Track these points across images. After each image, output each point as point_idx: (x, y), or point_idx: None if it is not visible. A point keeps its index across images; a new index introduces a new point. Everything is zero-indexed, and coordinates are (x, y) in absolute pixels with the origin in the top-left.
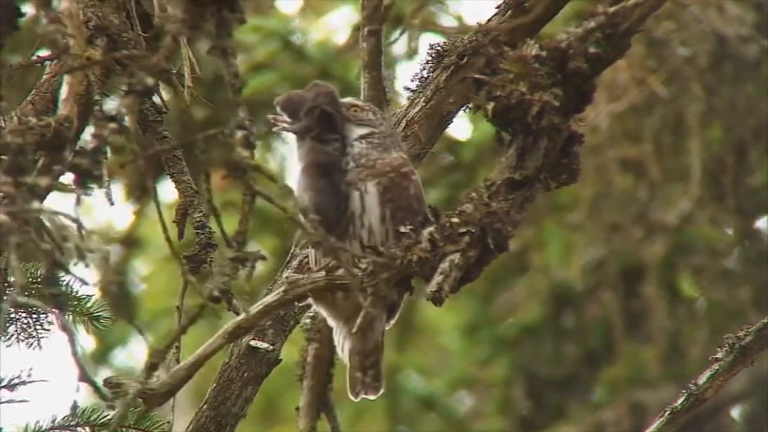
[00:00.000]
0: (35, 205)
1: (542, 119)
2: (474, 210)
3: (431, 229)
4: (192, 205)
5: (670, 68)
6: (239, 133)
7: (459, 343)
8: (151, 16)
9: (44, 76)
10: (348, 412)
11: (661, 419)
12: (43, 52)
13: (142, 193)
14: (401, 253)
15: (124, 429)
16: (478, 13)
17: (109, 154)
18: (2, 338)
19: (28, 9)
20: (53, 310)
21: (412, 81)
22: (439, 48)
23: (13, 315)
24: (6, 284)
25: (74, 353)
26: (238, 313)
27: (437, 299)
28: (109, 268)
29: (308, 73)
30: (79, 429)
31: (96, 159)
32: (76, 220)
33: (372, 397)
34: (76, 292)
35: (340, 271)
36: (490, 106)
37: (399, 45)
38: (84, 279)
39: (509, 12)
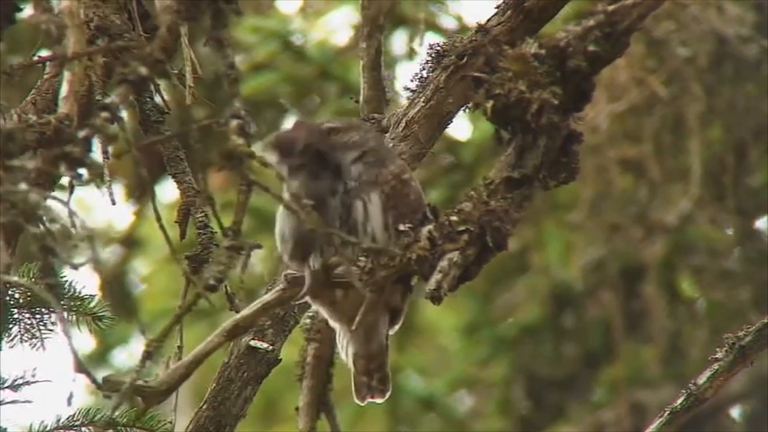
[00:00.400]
0: (22, 186)
1: (541, 117)
2: (473, 208)
3: (430, 227)
4: (194, 206)
5: (670, 68)
6: (234, 122)
7: (459, 343)
8: (153, 17)
9: (45, 76)
10: (348, 412)
11: (661, 419)
12: (44, 53)
13: (142, 193)
14: (400, 252)
15: (127, 429)
16: (478, 13)
17: (110, 154)
18: (5, 339)
19: (26, 4)
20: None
21: (412, 81)
22: (438, 48)
23: (16, 315)
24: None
25: (69, 344)
26: (238, 312)
27: (436, 297)
28: (95, 249)
29: (308, 73)
30: (83, 429)
31: (88, 147)
32: (64, 203)
33: (380, 401)
34: (79, 292)
35: (339, 269)
36: (489, 104)
37: (399, 45)
38: (74, 263)
39: (509, 12)
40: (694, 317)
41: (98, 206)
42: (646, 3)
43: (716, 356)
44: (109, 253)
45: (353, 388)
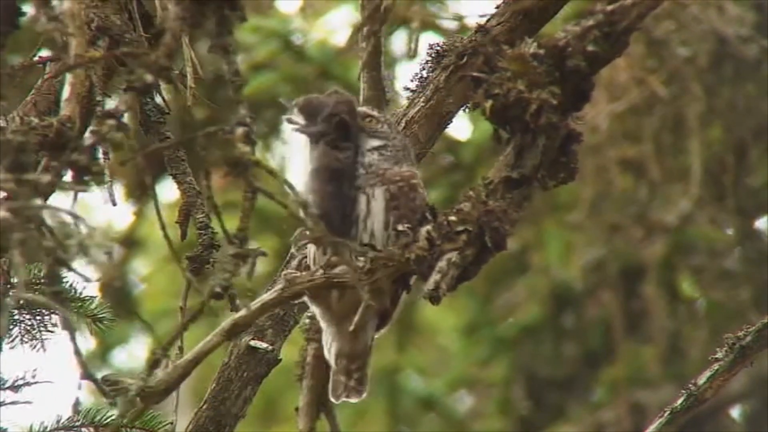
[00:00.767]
0: (37, 202)
1: (540, 117)
2: (472, 208)
3: (429, 227)
4: (195, 206)
5: (670, 68)
6: (240, 130)
7: (459, 343)
8: (154, 17)
9: (45, 76)
10: (348, 412)
11: (661, 419)
12: (45, 53)
13: (142, 193)
14: (399, 252)
15: (128, 429)
16: (479, 13)
17: (110, 155)
18: (6, 340)
19: (28, 8)
20: (55, 308)
21: (412, 81)
22: (438, 48)
23: (17, 317)
24: (8, 285)
25: (76, 351)
26: (239, 312)
27: (435, 298)
28: (112, 265)
29: (308, 73)
30: (83, 430)
31: (94, 155)
32: (76, 217)
33: (353, 401)
34: (80, 293)
35: (338, 269)
36: (488, 104)
37: (399, 45)
38: (86, 276)
39: (508, 12)
40: (694, 317)
41: (98, 206)
42: (646, 3)
43: (716, 356)
44: (113, 250)
45: (330, 386)
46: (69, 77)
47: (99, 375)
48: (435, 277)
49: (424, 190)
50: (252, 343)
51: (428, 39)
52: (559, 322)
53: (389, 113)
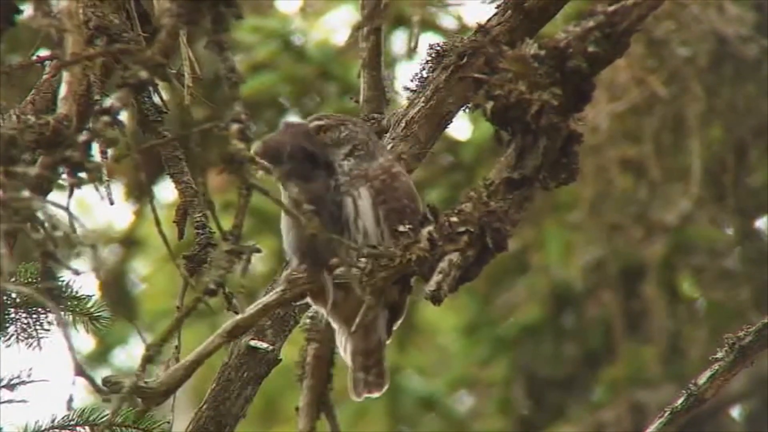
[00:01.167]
0: (25, 194)
1: (541, 118)
2: (473, 209)
3: (430, 228)
4: (192, 206)
5: (670, 68)
6: (235, 126)
7: (459, 343)
8: (151, 16)
9: (44, 76)
10: (348, 412)
11: (661, 419)
12: (43, 52)
13: (141, 192)
14: (400, 252)
15: (124, 429)
16: (478, 13)
17: (108, 154)
18: (2, 338)
19: (26, 7)
20: (43, 302)
21: (412, 81)
22: (438, 48)
23: (12, 315)
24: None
25: (70, 347)
26: (237, 313)
27: (436, 298)
28: (99, 256)
29: (308, 73)
30: (78, 429)
31: (88, 152)
32: (66, 209)
33: (376, 395)
34: (76, 291)
35: (339, 270)
36: (489, 105)
37: (399, 45)
38: (76, 270)
39: (509, 12)
40: (694, 317)
41: (98, 206)
42: (647, 3)
43: (716, 356)
44: (109, 253)
45: (350, 385)
46: (66, 76)
47: (98, 375)
48: (436, 277)
49: (405, 174)
50: (252, 343)
51: (428, 39)
52: (559, 322)
53: (389, 113)
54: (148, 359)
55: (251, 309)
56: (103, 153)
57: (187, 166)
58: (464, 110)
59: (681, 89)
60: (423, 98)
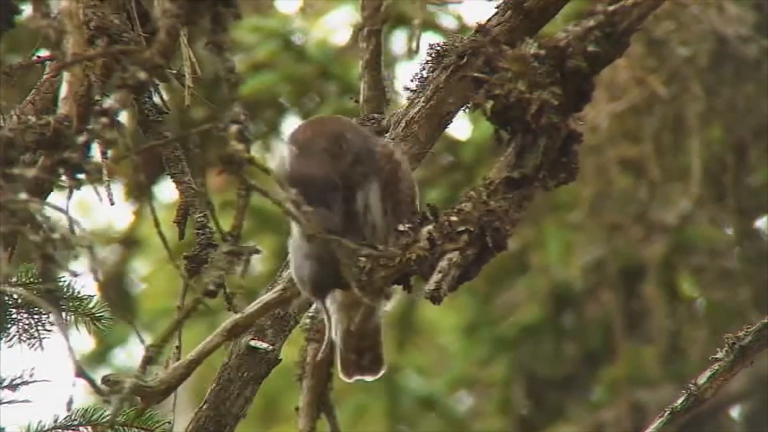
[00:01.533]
0: (23, 196)
1: (541, 118)
2: (473, 209)
3: (430, 227)
4: (193, 206)
5: (670, 68)
6: (234, 127)
7: (459, 343)
8: (152, 16)
9: (44, 76)
10: (348, 412)
11: (661, 419)
12: (44, 53)
13: (141, 193)
14: (400, 252)
15: (125, 428)
16: (478, 13)
17: (108, 154)
18: (3, 338)
19: (25, 7)
20: (41, 304)
21: (412, 81)
22: (439, 48)
23: (14, 315)
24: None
25: (69, 349)
26: (237, 312)
27: (436, 298)
28: (96, 258)
29: (308, 73)
30: (81, 429)
31: (87, 153)
32: (64, 211)
33: (369, 379)
34: (78, 292)
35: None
36: (489, 104)
37: (399, 45)
38: (75, 272)
39: (509, 12)
40: (694, 317)
41: (98, 206)
42: (647, 3)
43: (716, 356)
44: (109, 253)
45: (339, 366)
46: (66, 76)
47: (98, 375)
48: (436, 277)
49: (405, 161)
50: (252, 343)
51: (428, 39)
52: (559, 322)
53: (389, 113)
54: (149, 360)
55: (251, 308)
56: (103, 153)
57: (189, 168)
58: (464, 110)
59: (681, 89)
60: (423, 98)
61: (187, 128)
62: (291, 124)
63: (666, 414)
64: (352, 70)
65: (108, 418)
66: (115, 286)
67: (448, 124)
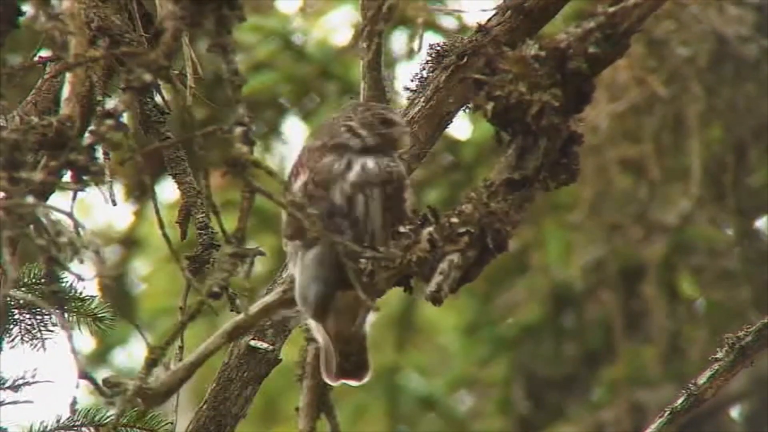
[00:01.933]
0: (30, 200)
1: (542, 119)
2: (473, 210)
3: (430, 229)
4: (195, 206)
5: (670, 68)
6: (238, 129)
7: (459, 343)
8: (154, 17)
9: (45, 76)
10: (348, 412)
11: (661, 419)
12: (45, 53)
13: (142, 193)
14: (401, 253)
15: (128, 429)
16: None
17: (110, 155)
18: (6, 339)
19: (28, 8)
20: (53, 307)
21: (412, 81)
22: (439, 48)
23: (17, 316)
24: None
25: (73, 350)
26: (240, 314)
27: (436, 299)
28: (103, 262)
29: (308, 72)
30: (83, 429)
31: (92, 155)
32: (70, 215)
33: (354, 384)
34: (80, 293)
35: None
36: (490, 106)
37: (399, 45)
38: (80, 275)
39: (509, 12)
40: (694, 317)
41: (98, 206)
42: (647, 4)
43: (716, 356)
44: (110, 254)
45: (323, 368)
46: (69, 76)
47: (99, 375)
48: (437, 278)
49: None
50: (252, 343)
51: (429, 39)
52: (559, 322)
53: None
54: (153, 363)
55: (252, 309)
56: (106, 154)
57: (191, 169)
58: (464, 110)
59: (681, 89)
60: (423, 98)
61: (188, 129)
62: (291, 124)
63: (666, 414)
64: (352, 70)
65: (111, 419)
66: (116, 286)
67: (448, 124)
